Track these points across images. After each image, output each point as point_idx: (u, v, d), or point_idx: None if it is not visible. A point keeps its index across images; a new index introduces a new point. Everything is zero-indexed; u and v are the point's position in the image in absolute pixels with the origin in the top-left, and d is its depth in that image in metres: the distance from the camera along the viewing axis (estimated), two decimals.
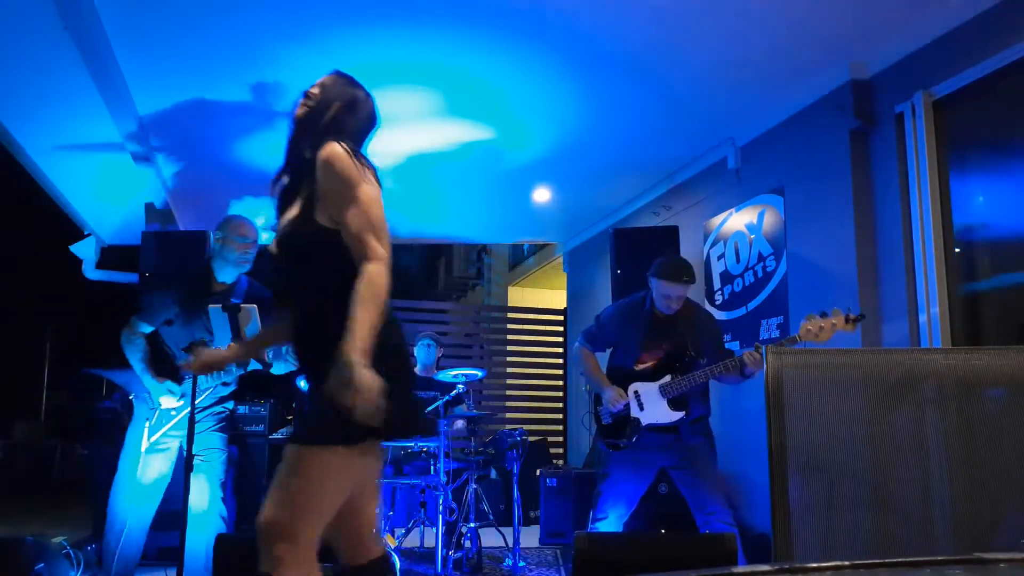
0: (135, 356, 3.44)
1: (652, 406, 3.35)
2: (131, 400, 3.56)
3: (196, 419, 3.21)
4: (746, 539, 4.27)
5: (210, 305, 3.18)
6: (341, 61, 4.02)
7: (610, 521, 3.37)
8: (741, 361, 3.23)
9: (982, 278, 3.65)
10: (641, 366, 3.44)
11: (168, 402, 3.41)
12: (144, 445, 3.37)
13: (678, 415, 3.30)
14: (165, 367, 3.46)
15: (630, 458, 3.41)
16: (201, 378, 3.34)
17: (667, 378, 3.34)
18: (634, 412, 3.38)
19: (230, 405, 3.66)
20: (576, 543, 2.19)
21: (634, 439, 3.35)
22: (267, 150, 5.21)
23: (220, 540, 2.28)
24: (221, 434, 3.57)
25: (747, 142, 4.95)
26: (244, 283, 3.57)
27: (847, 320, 3.12)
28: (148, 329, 3.49)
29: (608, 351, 3.73)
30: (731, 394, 5.00)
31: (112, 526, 3.37)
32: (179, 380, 3.41)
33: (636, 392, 3.41)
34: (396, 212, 6.65)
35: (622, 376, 3.48)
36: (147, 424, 3.41)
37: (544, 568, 4.51)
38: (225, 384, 3.54)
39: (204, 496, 3.38)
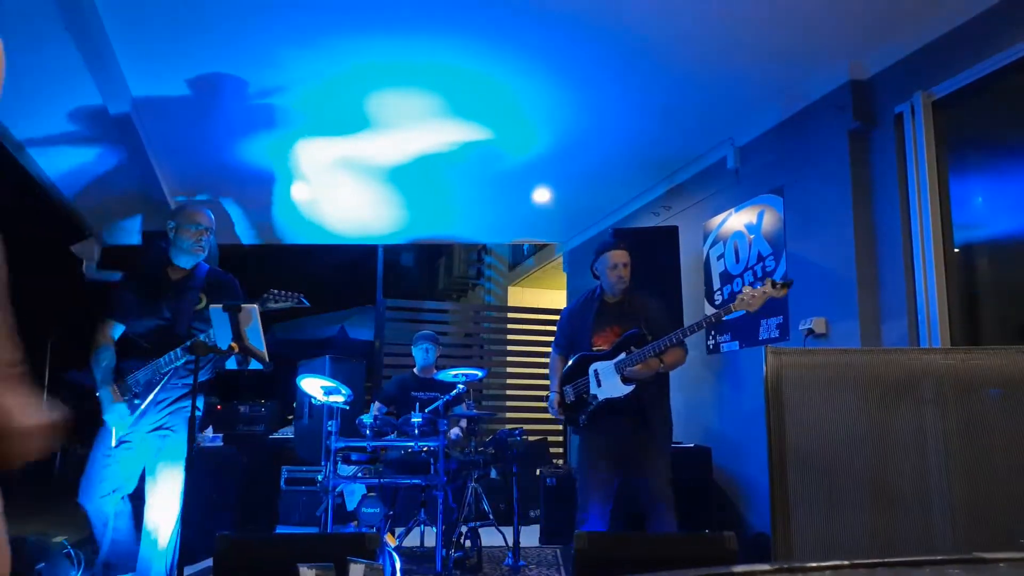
0: (99, 367, 3.36)
1: (607, 381, 3.52)
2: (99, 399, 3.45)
3: (158, 416, 3.29)
4: (746, 539, 4.28)
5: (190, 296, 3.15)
6: (344, 63, 4.06)
7: (593, 519, 3.46)
8: (682, 334, 3.39)
9: (982, 278, 3.65)
10: (597, 347, 3.61)
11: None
12: (113, 442, 3.31)
13: (628, 388, 3.45)
14: (131, 366, 3.40)
15: (595, 442, 3.57)
16: (161, 360, 3.32)
17: (622, 355, 3.49)
18: (592, 389, 3.56)
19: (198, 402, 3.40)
20: (576, 543, 2.19)
21: (589, 412, 3.53)
22: (267, 149, 5.22)
23: (220, 540, 2.28)
24: (179, 437, 3.38)
25: (746, 142, 4.95)
26: (203, 268, 3.60)
27: (773, 286, 3.26)
28: (121, 329, 3.46)
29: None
30: (731, 394, 5.00)
31: (95, 527, 3.31)
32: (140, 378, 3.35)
33: (596, 371, 3.57)
34: (398, 212, 6.66)
35: (584, 360, 3.63)
36: (113, 428, 3.33)
37: (544, 568, 4.51)
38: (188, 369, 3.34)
39: (163, 508, 3.25)
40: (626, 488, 3.54)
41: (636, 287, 3.74)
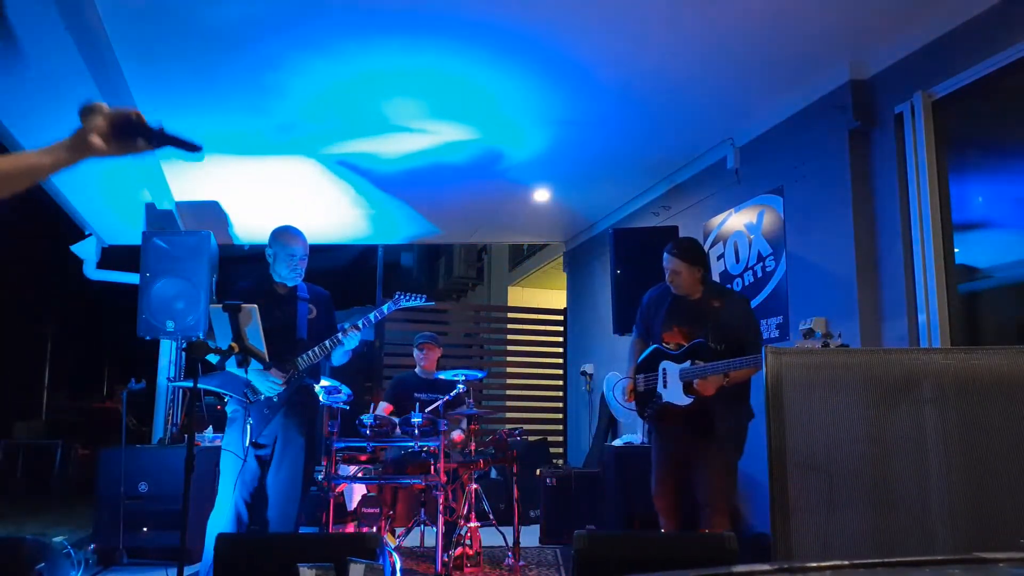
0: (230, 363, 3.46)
1: (672, 386, 3.50)
2: (224, 403, 3.68)
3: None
4: (746, 539, 4.28)
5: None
6: (348, 69, 4.06)
7: (664, 507, 3.53)
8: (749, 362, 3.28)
9: (982, 278, 3.65)
10: (665, 343, 3.58)
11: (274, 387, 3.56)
12: (247, 442, 3.51)
13: (689, 399, 3.42)
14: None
15: (660, 439, 3.65)
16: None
17: (688, 363, 3.45)
18: (659, 388, 3.55)
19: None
20: (576, 543, 2.19)
21: (653, 409, 3.55)
22: (267, 146, 5.21)
23: (220, 540, 2.28)
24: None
25: (747, 142, 4.95)
26: (303, 285, 3.82)
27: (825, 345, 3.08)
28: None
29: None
30: None
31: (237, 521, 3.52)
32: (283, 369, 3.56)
33: (664, 370, 3.55)
34: (398, 213, 6.66)
35: (657, 353, 3.60)
36: (248, 424, 3.51)
37: (544, 568, 4.51)
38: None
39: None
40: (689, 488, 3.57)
41: (714, 286, 3.71)
